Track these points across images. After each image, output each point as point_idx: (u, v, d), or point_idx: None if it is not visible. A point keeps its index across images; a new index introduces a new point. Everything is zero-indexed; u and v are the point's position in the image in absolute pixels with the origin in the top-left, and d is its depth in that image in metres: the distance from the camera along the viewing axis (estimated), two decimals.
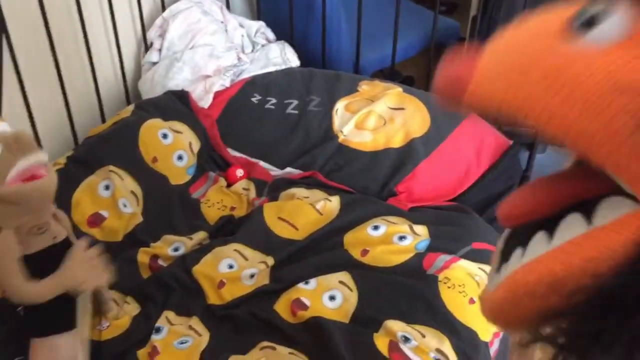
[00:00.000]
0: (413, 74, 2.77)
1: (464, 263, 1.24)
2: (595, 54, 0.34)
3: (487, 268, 1.24)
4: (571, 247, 0.36)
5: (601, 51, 0.34)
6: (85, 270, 1.02)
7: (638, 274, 0.33)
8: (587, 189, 0.38)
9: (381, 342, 1.09)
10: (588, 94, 0.33)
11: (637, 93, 0.32)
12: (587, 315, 0.35)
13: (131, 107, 1.63)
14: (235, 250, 1.32)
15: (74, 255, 1.04)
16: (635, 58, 0.33)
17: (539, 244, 0.39)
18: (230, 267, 1.29)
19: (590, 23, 0.35)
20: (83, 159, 1.45)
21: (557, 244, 0.37)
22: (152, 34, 1.85)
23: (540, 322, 0.39)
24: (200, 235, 1.39)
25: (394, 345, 1.08)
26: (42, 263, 1.04)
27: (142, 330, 1.18)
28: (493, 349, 1.18)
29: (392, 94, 1.62)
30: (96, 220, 1.37)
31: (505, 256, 0.41)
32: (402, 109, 1.60)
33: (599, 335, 0.34)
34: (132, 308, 1.24)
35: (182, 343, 1.15)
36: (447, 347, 1.09)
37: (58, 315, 1.09)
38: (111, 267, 1.05)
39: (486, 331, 1.16)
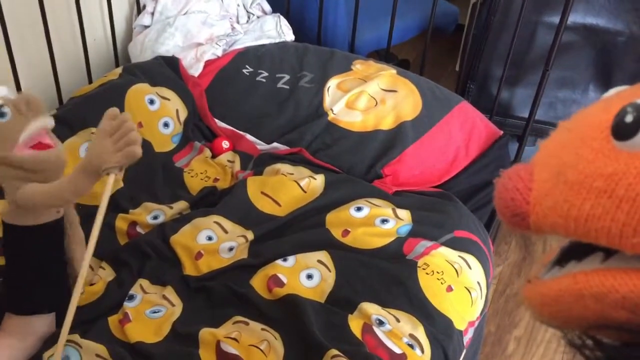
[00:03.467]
0: (409, 58, 2.75)
1: (444, 250, 1.23)
2: None
3: (468, 257, 1.24)
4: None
5: None
6: (112, 144, 0.91)
7: None
8: None
9: (355, 324, 1.08)
10: None
11: None
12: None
13: (119, 69, 1.60)
14: (215, 222, 1.30)
15: (101, 127, 0.93)
16: None
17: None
18: (209, 238, 1.27)
19: (634, 126, 0.34)
20: (65, 119, 1.41)
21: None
22: None
23: (592, 328, 0.38)
24: (180, 205, 1.37)
25: (367, 328, 1.08)
26: (48, 235, 1.01)
27: (115, 296, 1.16)
28: (467, 338, 1.18)
29: (386, 76, 1.60)
30: None
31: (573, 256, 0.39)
32: (395, 91, 1.58)
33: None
34: (106, 274, 1.22)
35: (154, 312, 1.13)
36: (421, 333, 1.09)
37: (40, 298, 1.06)
38: (141, 143, 0.92)
39: (461, 319, 1.15)
